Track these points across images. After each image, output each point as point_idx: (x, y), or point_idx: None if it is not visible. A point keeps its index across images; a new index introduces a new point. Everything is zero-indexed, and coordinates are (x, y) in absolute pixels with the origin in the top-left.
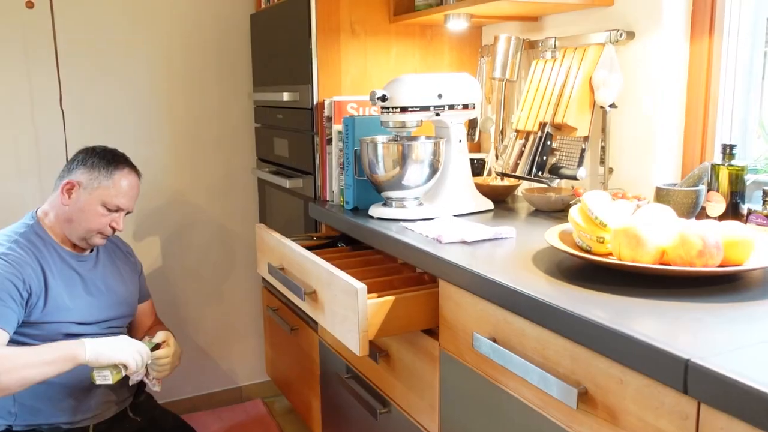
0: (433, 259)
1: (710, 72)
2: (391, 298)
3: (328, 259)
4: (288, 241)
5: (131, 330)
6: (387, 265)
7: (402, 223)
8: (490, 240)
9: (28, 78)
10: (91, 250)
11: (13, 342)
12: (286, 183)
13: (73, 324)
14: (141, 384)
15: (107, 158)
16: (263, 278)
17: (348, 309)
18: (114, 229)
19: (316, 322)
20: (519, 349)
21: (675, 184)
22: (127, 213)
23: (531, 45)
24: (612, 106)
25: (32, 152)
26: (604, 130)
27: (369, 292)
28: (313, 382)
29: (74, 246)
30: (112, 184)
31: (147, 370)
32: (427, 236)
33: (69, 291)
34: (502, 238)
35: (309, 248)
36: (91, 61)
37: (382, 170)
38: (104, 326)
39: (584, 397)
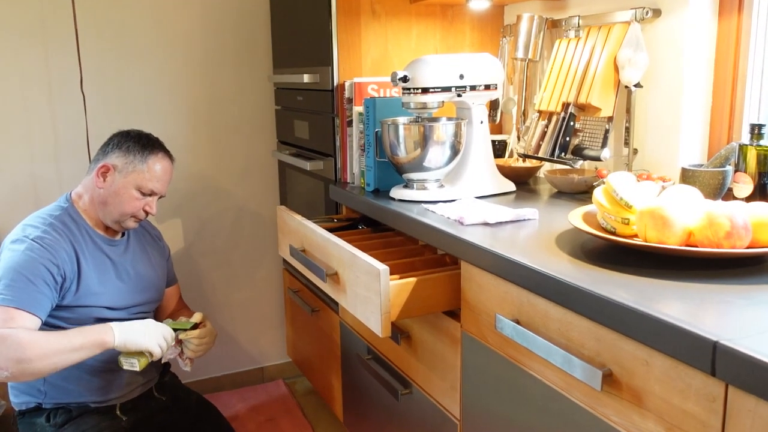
0: (455, 240)
1: (738, 50)
2: (413, 279)
3: (349, 241)
4: (309, 223)
5: (157, 313)
6: (408, 247)
7: (423, 204)
8: (512, 222)
9: (46, 61)
10: (123, 235)
11: (45, 325)
12: (307, 165)
13: (104, 309)
14: (166, 363)
15: (142, 142)
16: (284, 260)
17: (370, 290)
18: (147, 213)
19: (337, 304)
20: (542, 330)
21: (701, 165)
22: (160, 197)
23: (554, 24)
24: (637, 85)
25: (49, 136)
26: (628, 110)
27: (391, 273)
28: (334, 363)
29: (106, 229)
30: (147, 168)
31: (182, 350)
32: (448, 218)
33: (100, 276)
34: (524, 220)
35: (330, 230)
36: (112, 43)
37: (403, 152)
38: (133, 311)
39: (609, 379)
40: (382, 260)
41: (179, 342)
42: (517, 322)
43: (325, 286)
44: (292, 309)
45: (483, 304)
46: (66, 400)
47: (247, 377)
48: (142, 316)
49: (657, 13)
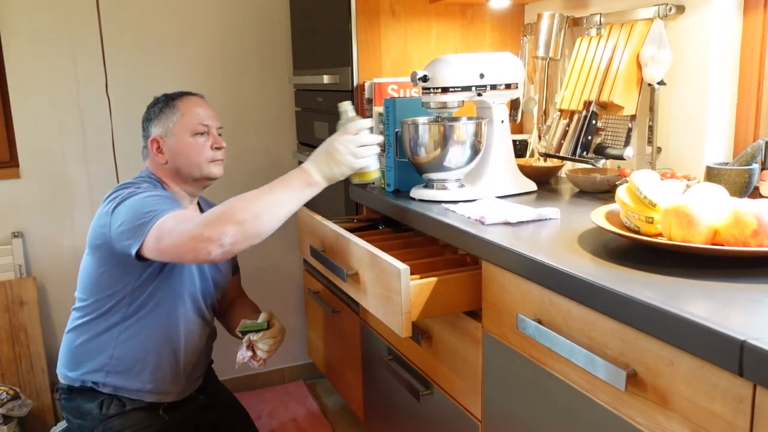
0: (476, 240)
1: (764, 46)
2: (433, 279)
3: (369, 242)
4: (330, 224)
5: (221, 301)
6: (428, 247)
7: (444, 204)
8: (533, 221)
9: (73, 64)
10: (201, 212)
11: (128, 296)
12: None
13: (186, 296)
14: (210, 361)
15: (162, 100)
16: (305, 261)
17: (391, 290)
18: (218, 148)
19: (357, 304)
20: (565, 330)
21: (727, 164)
22: (219, 129)
23: (575, 22)
24: (660, 83)
25: (78, 137)
26: (652, 108)
27: (411, 273)
28: (355, 363)
29: (192, 199)
30: (182, 113)
31: (254, 351)
32: (469, 218)
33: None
34: (546, 219)
35: (350, 230)
36: (135, 47)
37: (424, 152)
38: (207, 302)
39: (633, 380)
40: (402, 260)
41: (251, 344)
42: (539, 322)
43: (346, 287)
44: (313, 310)
45: (504, 304)
46: (124, 384)
47: (269, 378)
48: (209, 305)
49: (680, 9)
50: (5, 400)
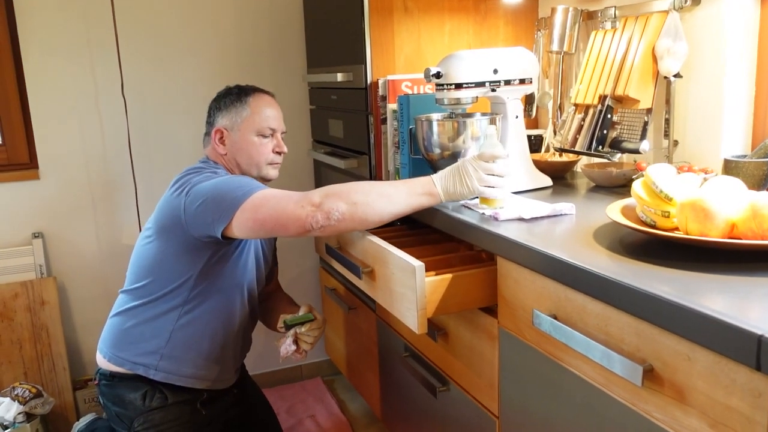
0: (491, 236)
1: None
2: (448, 275)
3: (385, 239)
4: None
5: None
6: (444, 244)
7: (459, 201)
8: (548, 217)
9: (89, 66)
10: None
11: (191, 280)
12: (342, 164)
13: (242, 287)
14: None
15: (235, 92)
16: (321, 259)
17: (406, 287)
18: (280, 153)
19: (373, 302)
20: (580, 326)
21: (745, 156)
22: (283, 133)
23: (589, 16)
24: (677, 76)
25: (98, 138)
26: (668, 101)
27: (427, 270)
28: (372, 360)
29: None
30: (252, 111)
31: (297, 344)
32: (483, 214)
33: (248, 251)
34: (561, 215)
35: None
36: (150, 48)
37: (438, 148)
38: (257, 289)
39: (650, 375)
40: (417, 257)
41: (297, 337)
42: (555, 318)
43: (361, 284)
44: (329, 307)
45: (520, 299)
46: (177, 369)
47: (286, 375)
48: (252, 298)
49: (696, 1)
50: (28, 398)
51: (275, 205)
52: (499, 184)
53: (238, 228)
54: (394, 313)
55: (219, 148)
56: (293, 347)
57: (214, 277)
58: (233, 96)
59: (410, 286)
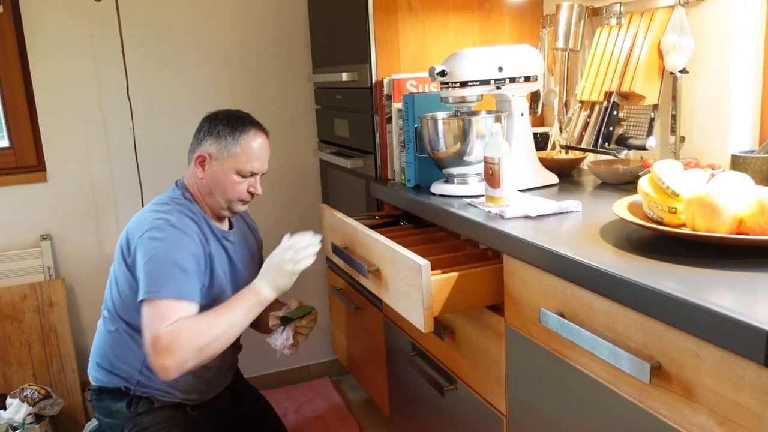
0: (497, 234)
1: None
2: (454, 274)
3: (391, 238)
4: (350, 220)
5: None
6: (450, 242)
7: (464, 199)
8: (554, 214)
9: (95, 69)
10: (230, 226)
11: None
12: (347, 163)
13: (219, 302)
14: (236, 359)
15: (231, 124)
16: (327, 258)
17: (412, 286)
18: (253, 194)
19: (380, 301)
20: (587, 323)
21: (752, 152)
22: (262, 174)
23: (594, 12)
24: (683, 71)
25: (101, 140)
26: (674, 97)
27: (433, 268)
28: (379, 360)
29: (218, 219)
30: (241, 150)
31: (294, 339)
32: (489, 212)
33: (223, 269)
34: (567, 212)
35: (372, 227)
36: (155, 50)
37: (443, 147)
38: None
39: (657, 372)
40: (424, 256)
41: (295, 330)
42: (562, 315)
43: (368, 283)
44: (337, 307)
45: (526, 297)
46: (157, 389)
47: (294, 375)
48: None
49: None
50: (37, 399)
51: (146, 340)
52: (311, 252)
53: None
54: (400, 311)
55: (198, 172)
56: (291, 340)
57: None
58: (229, 127)
59: (416, 285)
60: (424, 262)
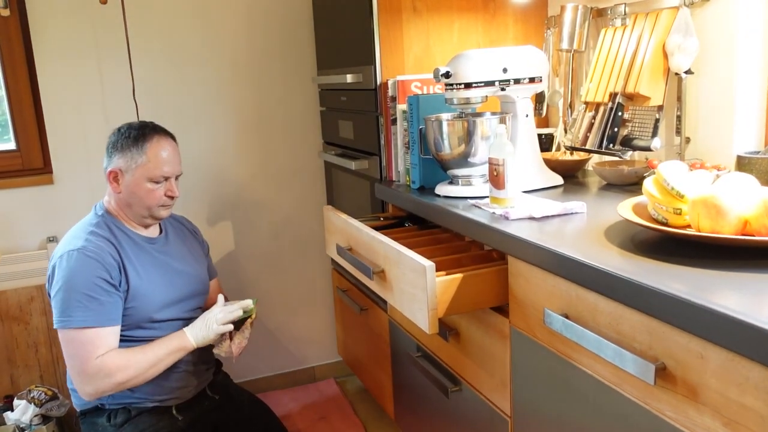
0: (502, 235)
1: None
2: (459, 275)
3: (395, 239)
4: (355, 222)
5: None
6: (455, 244)
7: (469, 200)
8: (559, 215)
9: (101, 71)
10: (161, 231)
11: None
12: (352, 165)
13: (157, 309)
14: (218, 363)
15: (133, 135)
16: (332, 260)
17: (416, 287)
18: (172, 197)
19: (385, 302)
20: (592, 324)
21: (758, 152)
22: (178, 176)
23: (599, 13)
24: (688, 72)
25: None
26: (679, 98)
27: (437, 270)
28: (384, 361)
29: (145, 227)
30: (148, 158)
31: (238, 341)
32: (494, 213)
33: (147, 276)
34: (572, 213)
35: (376, 228)
36: (161, 53)
37: (448, 148)
38: (185, 307)
39: (662, 373)
40: (428, 257)
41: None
42: (566, 317)
43: (372, 284)
44: (342, 308)
45: (531, 299)
46: (127, 401)
47: (299, 377)
48: (194, 312)
49: None
50: (44, 400)
51: (68, 364)
52: (232, 318)
53: None
54: (405, 313)
55: (113, 187)
56: (245, 342)
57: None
58: (131, 140)
59: (421, 286)
60: (428, 264)
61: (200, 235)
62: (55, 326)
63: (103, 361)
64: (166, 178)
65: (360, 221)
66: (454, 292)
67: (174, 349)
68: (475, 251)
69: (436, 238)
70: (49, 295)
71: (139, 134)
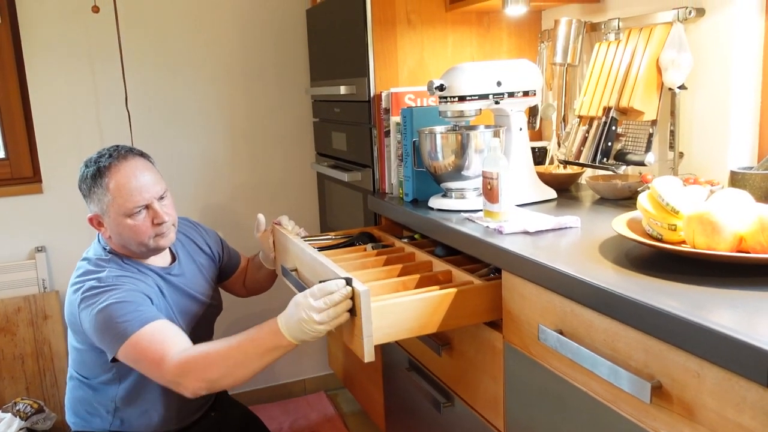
0: (496, 249)
1: None
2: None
3: (388, 258)
4: (299, 241)
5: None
6: (406, 265)
7: (462, 214)
8: (553, 230)
9: (93, 80)
10: (173, 258)
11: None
12: (345, 176)
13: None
14: None
15: (90, 174)
16: None
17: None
18: (161, 223)
19: None
20: (587, 341)
21: (751, 168)
22: (161, 198)
23: (593, 27)
24: (681, 87)
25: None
26: (673, 113)
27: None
28: (376, 374)
29: (156, 255)
30: (113, 196)
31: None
32: (488, 227)
33: (167, 310)
34: (566, 228)
35: (326, 248)
36: (154, 62)
37: (441, 161)
38: (201, 335)
39: (658, 392)
40: (373, 279)
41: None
42: (561, 333)
43: None
44: None
45: (525, 314)
46: (131, 429)
47: (290, 389)
48: (202, 331)
49: (701, 12)
50: (30, 413)
51: (150, 372)
52: (342, 309)
53: (125, 363)
54: (343, 339)
55: (102, 232)
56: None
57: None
58: (90, 180)
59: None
60: (363, 288)
61: (205, 236)
62: (114, 353)
63: (187, 355)
64: (147, 206)
65: (306, 241)
66: (400, 317)
67: (269, 346)
68: (423, 272)
69: (388, 259)
70: (80, 334)
71: (95, 171)
